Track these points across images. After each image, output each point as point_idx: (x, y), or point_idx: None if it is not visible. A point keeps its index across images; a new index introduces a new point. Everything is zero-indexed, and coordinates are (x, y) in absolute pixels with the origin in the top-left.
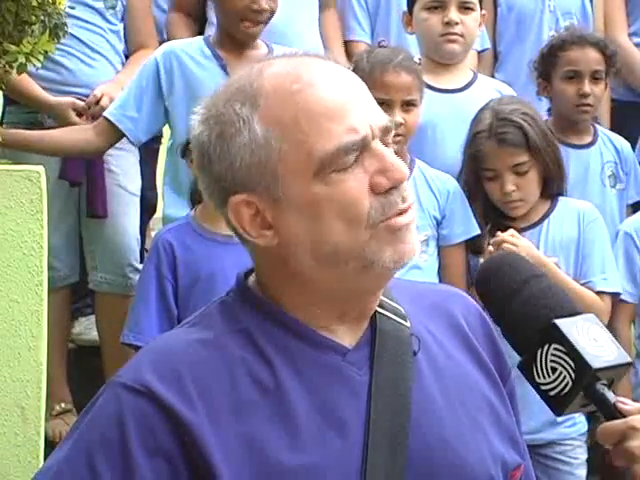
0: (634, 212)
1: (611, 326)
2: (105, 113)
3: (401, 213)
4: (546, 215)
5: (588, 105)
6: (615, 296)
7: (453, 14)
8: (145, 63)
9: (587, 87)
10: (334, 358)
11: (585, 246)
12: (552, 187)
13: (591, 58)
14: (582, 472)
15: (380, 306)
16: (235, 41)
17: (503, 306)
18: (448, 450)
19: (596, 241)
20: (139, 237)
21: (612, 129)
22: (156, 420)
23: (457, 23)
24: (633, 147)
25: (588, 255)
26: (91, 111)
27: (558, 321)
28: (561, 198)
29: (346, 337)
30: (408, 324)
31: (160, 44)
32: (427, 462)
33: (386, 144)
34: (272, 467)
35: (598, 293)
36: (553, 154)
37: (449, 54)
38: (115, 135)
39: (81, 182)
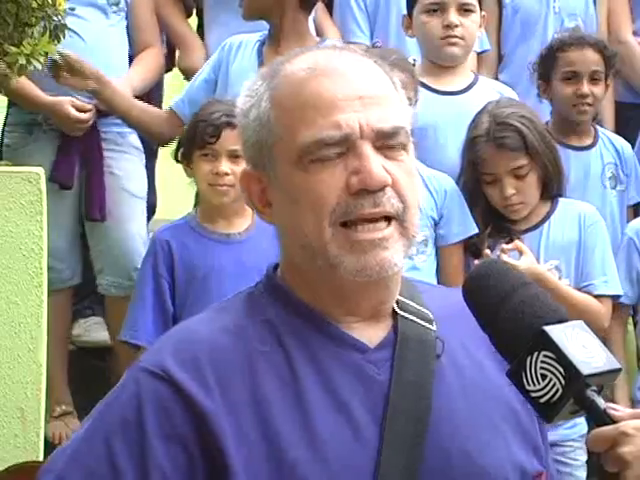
0: (635, 213)
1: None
2: (171, 103)
3: (367, 223)
4: (547, 217)
5: (587, 105)
6: (615, 298)
7: (453, 17)
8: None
9: (585, 87)
10: (354, 355)
11: (586, 249)
12: (552, 188)
13: (589, 59)
14: (582, 474)
15: (403, 309)
16: (274, 35)
17: (491, 315)
18: (465, 455)
19: (597, 244)
20: (146, 239)
21: (617, 131)
22: (173, 406)
23: (457, 25)
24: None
25: (589, 258)
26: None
27: (547, 328)
28: (561, 199)
29: (367, 335)
30: (434, 327)
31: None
32: (443, 465)
33: (383, 149)
34: (284, 459)
35: (598, 296)
36: (552, 156)
37: (450, 57)
38: (179, 125)
39: (71, 185)
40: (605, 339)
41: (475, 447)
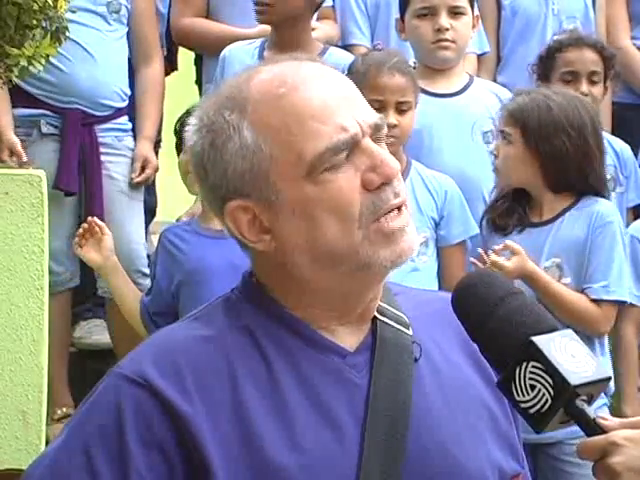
0: (634, 215)
1: (615, 330)
2: None
3: (393, 211)
4: (562, 213)
5: None
6: (621, 304)
7: (443, 20)
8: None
9: (584, 87)
10: (334, 360)
11: (591, 250)
12: (562, 181)
13: (588, 59)
14: (588, 471)
15: (381, 313)
16: (281, 42)
17: (480, 324)
18: (446, 455)
19: (603, 246)
20: (145, 242)
21: (615, 132)
22: (153, 412)
23: (447, 29)
24: (635, 149)
25: (592, 260)
26: (140, 179)
27: (535, 338)
28: (587, 197)
29: (347, 339)
30: (410, 332)
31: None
32: (425, 466)
33: (378, 142)
34: (267, 464)
35: (597, 300)
36: (553, 146)
37: (442, 61)
38: None
39: (74, 192)
40: (617, 342)
41: (455, 446)
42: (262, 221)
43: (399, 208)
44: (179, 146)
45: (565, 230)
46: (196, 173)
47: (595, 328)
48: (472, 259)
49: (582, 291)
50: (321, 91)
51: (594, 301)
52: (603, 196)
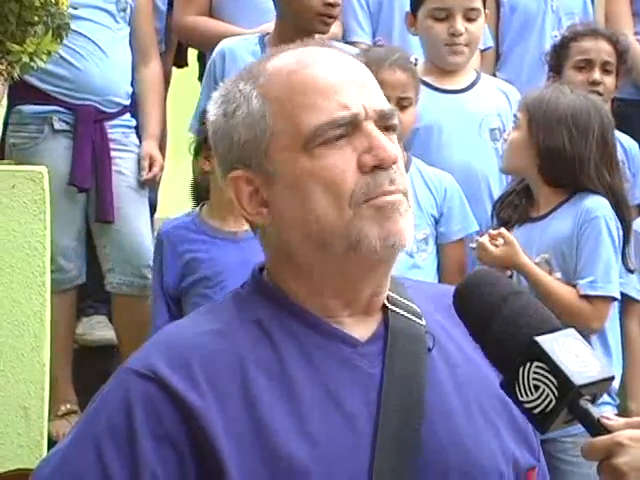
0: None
1: (621, 325)
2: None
3: (386, 194)
4: (555, 208)
5: (598, 93)
6: (612, 300)
7: (459, 25)
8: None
9: (597, 75)
10: (345, 350)
11: (578, 246)
12: (554, 175)
13: (602, 49)
14: (587, 470)
15: (392, 303)
16: (288, 39)
17: (483, 325)
18: (460, 446)
19: (589, 242)
20: (152, 237)
21: (617, 128)
22: (164, 406)
23: (462, 33)
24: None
25: (579, 256)
26: (149, 177)
27: (539, 338)
28: (581, 193)
29: (358, 330)
30: (423, 322)
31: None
32: (438, 457)
33: (387, 131)
34: (279, 455)
35: (586, 296)
36: (551, 139)
37: (453, 65)
38: None
39: (89, 188)
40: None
41: (468, 437)
42: (261, 194)
43: (395, 194)
44: (197, 150)
45: (554, 226)
46: (212, 145)
47: (585, 324)
48: (471, 244)
49: (574, 287)
50: (332, 71)
51: (584, 297)
52: (600, 194)
